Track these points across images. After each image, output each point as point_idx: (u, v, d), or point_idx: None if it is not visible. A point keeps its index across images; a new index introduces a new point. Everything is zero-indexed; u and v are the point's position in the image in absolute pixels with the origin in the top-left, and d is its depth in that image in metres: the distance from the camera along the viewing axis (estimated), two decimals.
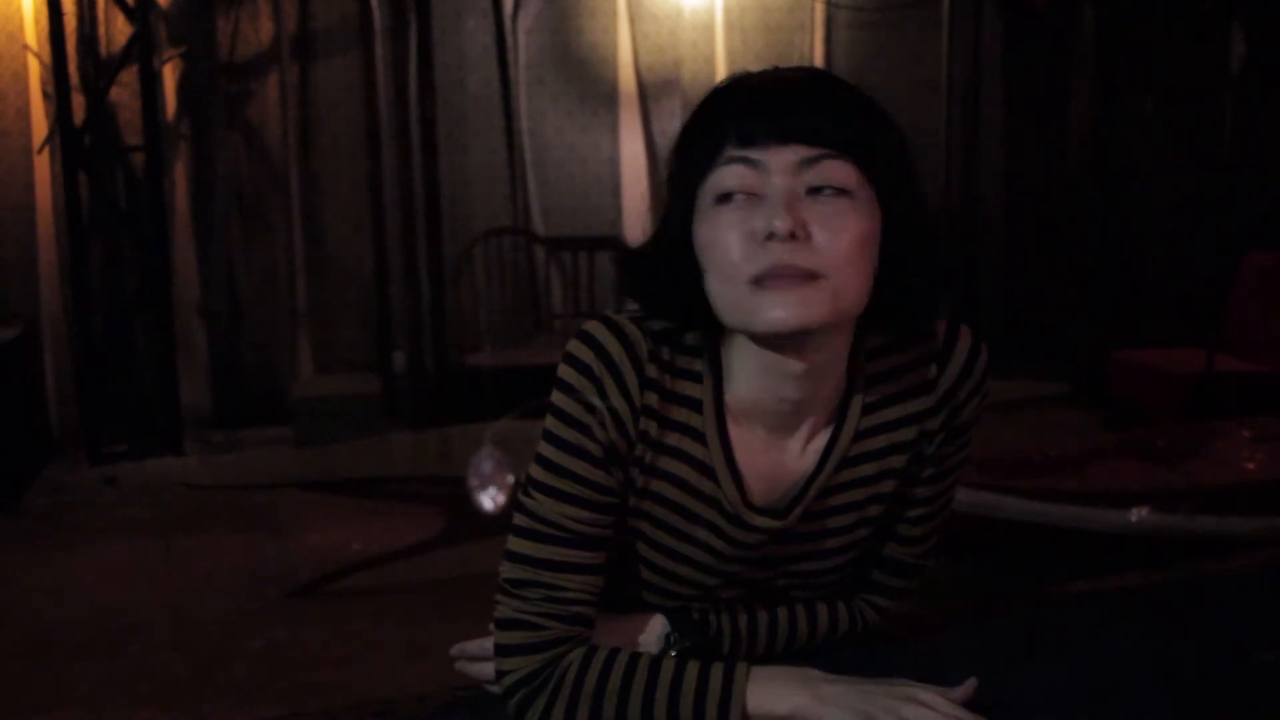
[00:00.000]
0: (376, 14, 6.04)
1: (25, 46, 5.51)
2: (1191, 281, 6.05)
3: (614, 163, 6.50)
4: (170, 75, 5.79)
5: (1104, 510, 3.55)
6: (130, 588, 4.04)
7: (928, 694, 1.05)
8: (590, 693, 1.09)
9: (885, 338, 1.16)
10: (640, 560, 1.19)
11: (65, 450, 5.58)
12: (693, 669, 1.09)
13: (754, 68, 1.15)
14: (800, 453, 1.16)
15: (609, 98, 6.48)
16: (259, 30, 5.97)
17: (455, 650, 1.25)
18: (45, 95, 5.53)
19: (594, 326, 1.12)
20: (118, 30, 5.60)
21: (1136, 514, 3.52)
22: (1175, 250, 6.32)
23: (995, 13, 6.98)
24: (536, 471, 1.12)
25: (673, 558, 1.18)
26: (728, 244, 1.05)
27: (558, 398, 1.12)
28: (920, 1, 6.89)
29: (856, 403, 1.16)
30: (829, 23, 6.66)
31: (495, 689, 1.16)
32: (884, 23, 6.81)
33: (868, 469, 1.18)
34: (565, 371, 1.11)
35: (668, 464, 1.14)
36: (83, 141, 5.44)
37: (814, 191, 1.04)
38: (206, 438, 5.86)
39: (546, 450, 1.12)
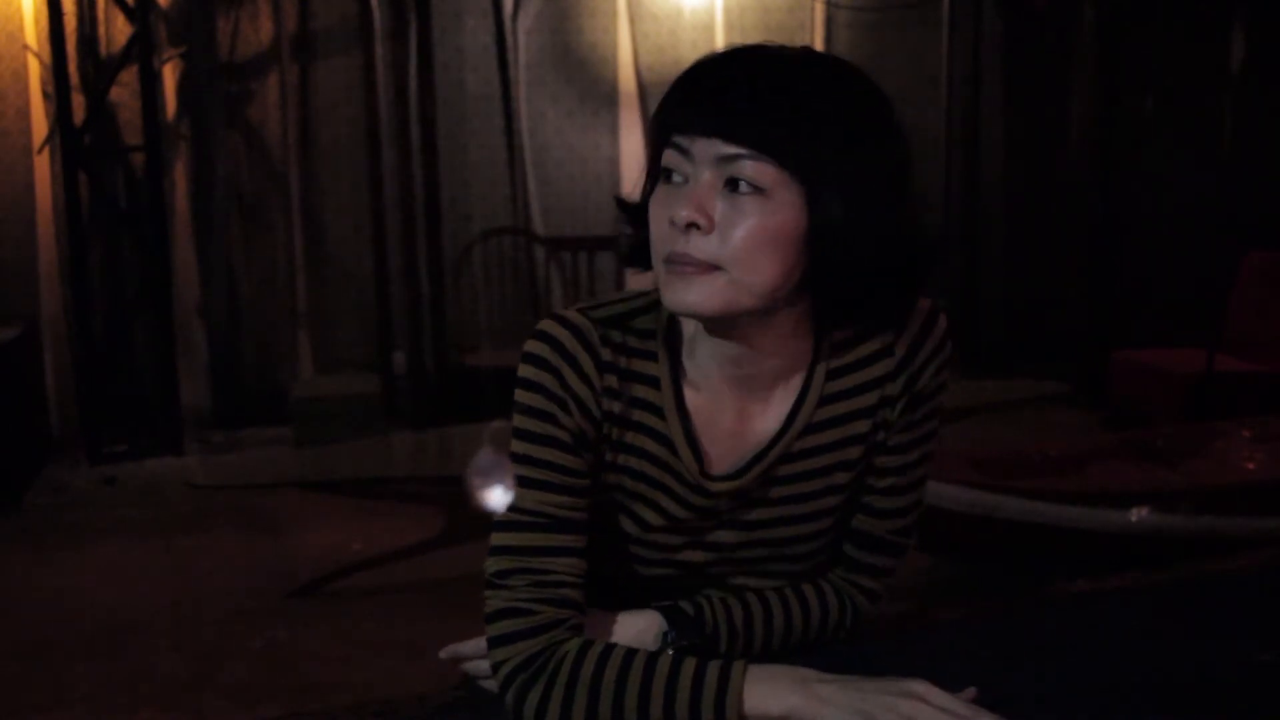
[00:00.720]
0: (376, 14, 6.04)
1: (25, 46, 5.51)
2: (1191, 281, 6.05)
3: (614, 163, 6.50)
4: (170, 75, 5.79)
5: (1104, 510, 3.55)
6: (130, 588, 4.03)
7: (923, 687, 1.05)
8: (587, 682, 1.10)
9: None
10: (614, 530, 1.22)
11: (65, 450, 5.58)
12: (689, 665, 1.09)
13: None
14: (764, 414, 1.20)
15: (609, 98, 6.48)
16: (259, 30, 5.97)
17: (445, 653, 1.25)
18: (45, 95, 5.53)
19: (545, 323, 1.18)
20: (118, 30, 5.60)
21: (1136, 514, 3.52)
22: (1175, 250, 6.32)
23: (995, 13, 6.98)
24: (512, 466, 1.17)
25: (641, 525, 1.22)
26: (655, 221, 1.12)
27: (521, 395, 1.17)
28: (920, 1, 6.89)
29: (821, 369, 1.20)
30: (829, 23, 6.66)
31: (490, 684, 1.16)
32: (884, 23, 6.81)
33: (832, 434, 1.21)
34: (524, 369, 1.17)
35: (633, 439, 1.19)
36: (83, 141, 5.44)
37: (732, 185, 1.08)
38: (206, 438, 5.86)
39: (518, 446, 1.17)
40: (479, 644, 1.20)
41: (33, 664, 3.46)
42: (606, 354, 1.17)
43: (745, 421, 1.20)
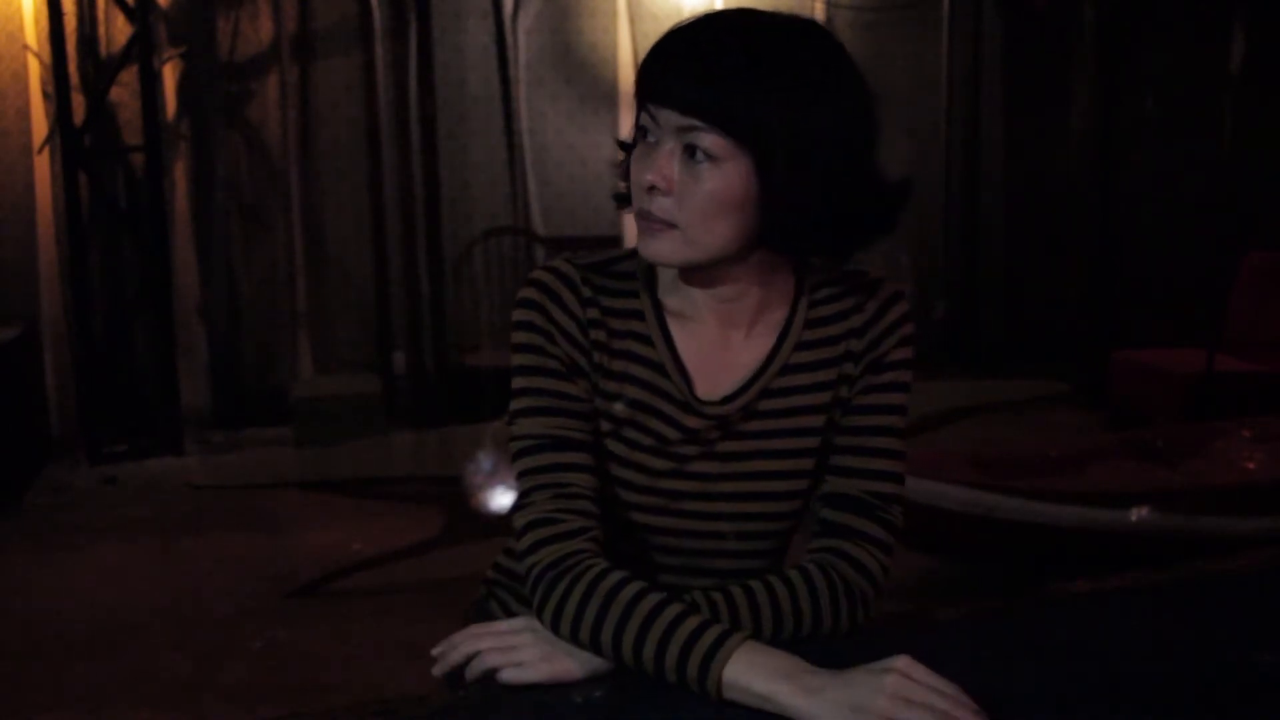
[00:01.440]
0: (376, 14, 6.04)
1: (25, 46, 5.51)
2: (1191, 281, 6.05)
3: (614, 163, 6.49)
4: (170, 75, 5.79)
5: (1104, 510, 3.55)
6: (130, 588, 4.04)
7: (904, 662, 1.05)
8: (602, 596, 1.15)
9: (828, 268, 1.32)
10: (604, 454, 1.29)
11: (65, 450, 5.58)
12: (693, 620, 1.12)
13: None
14: (747, 346, 1.30)
15: (609, 98, 6.48)
16: (259, 30, 5.97)
17: (438, 650, 1.25)
18: (45, 95, 5.53)
19: (532, 272, 1.30)
20: (118, 30, 5.60)
21: (1136, 514, 3.52)
22: (1175, 250, 6.32)
23: (995, 13, 6.98)
24: (515, 403, 1.27)
25: (629, 445, 1.29)
26: (632, 178, 1.23)
27: (514, 335, 1.28)
28: (920, 1, 6.89)
29: (801, 313, 1.30)
30: (829, 23, 6.66)
31: (476, 670, 1.18)
32: (884, 23, 6.81)
33: (805, 378, 1.30)
34: (516, 313, 1.28)
35: (622, 366, 1.29)
36: (83, 141, 5.45)
37: (690, 151, 1.18)
38: (206, 438, 5.86)
39: (518, 381, 1.27)
40: (466, 632, 1.23)
41: (33, 664, 3.46)
42: (587, 291, 1.28)
43: (729, 351, 1.29)
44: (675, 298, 1.30)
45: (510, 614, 1.40)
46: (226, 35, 5.94)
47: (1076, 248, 6.64)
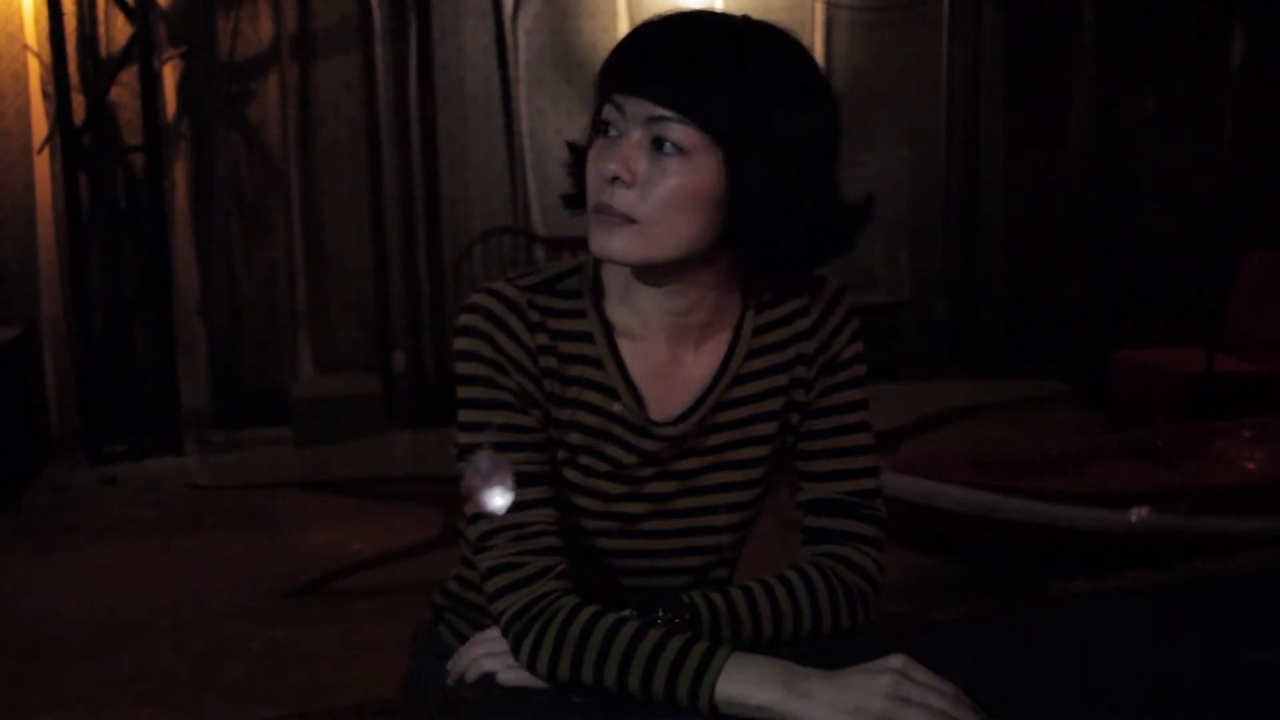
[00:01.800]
0: (376, 14, 6.05)
1: (25, 46, 5.51)
2: (1191, 281, 6.05)
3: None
4: (170, 75, 5.79)
5: (1104, 510, 3.55)
6: (130, 588, 4.04)
7: (901, 661, 1.04)
8: (574, 640, 1.12)
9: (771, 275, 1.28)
10: (559, 482, 1.25)
11: (65, 450, 5.58)
12: (676, 642, 1.09)
13: None
14: (697, 362, 1.27)
15: None
16: (259, 30, 5.98)
17: (451, 663, 1.26)
18: (45, 95, 5.53)
19: (473, 296, 1.24)
20: (118, 30, 5.61)
21: (1136, 514, 3.52)
22: (1175, 250, 6.32)
23: (995, 13, 6.99)
24: (463, 437, 1.21)
25: (584, 472, 1.26)
26: (589, 173, 1.19)
27: (460, 366, 1.22)
28: (920, 1, 6.89)
29: (749, 323, 1.28)
30: (829, 23, 6.66)
31: (475, 673, 1.19)
32: (884, 23, 6.81)
33: (757, 386, 1.28)
34: (459, 341, 1.22)
35: (574, 393, 1.24)
36: (83, 141, 5.45)
37: (658, 144, 1.14)
38: (206, 438, 5.86)
39: (468, 414, 1.21)
40: (472, 641, 1.23)
41: (33, 664, 3.45)
42: (534, 315, 1.22)
43: (679, 368, 1.26)
44: (624, 313, 1.26)
45: (462, 638, 1.36)
46: (226, 35, 5.94)
47: (1076, 248, 6.64)
